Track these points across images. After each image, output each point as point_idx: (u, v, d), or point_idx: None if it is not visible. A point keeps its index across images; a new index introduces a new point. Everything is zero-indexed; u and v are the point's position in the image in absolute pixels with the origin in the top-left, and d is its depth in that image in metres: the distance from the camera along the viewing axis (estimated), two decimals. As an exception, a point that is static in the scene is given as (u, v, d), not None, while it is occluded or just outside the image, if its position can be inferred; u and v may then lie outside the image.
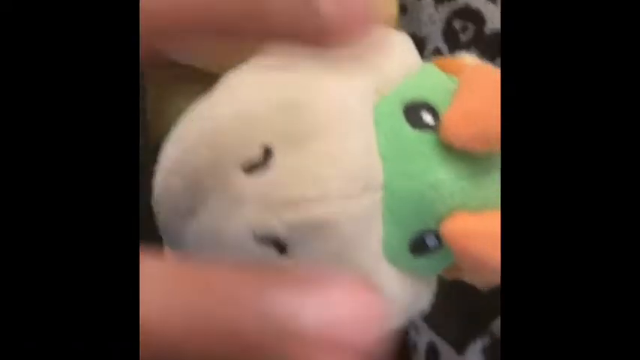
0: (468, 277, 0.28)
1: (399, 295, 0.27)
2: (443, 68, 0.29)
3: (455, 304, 0.50)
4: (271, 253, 0.24)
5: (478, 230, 0.25)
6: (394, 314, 0.28)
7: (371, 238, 0.25)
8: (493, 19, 0.48)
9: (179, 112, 0.31)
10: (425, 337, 0.51)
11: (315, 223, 0.23)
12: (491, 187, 0.27)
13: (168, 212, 0.27)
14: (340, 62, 0.26)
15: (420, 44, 0.58)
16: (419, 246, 0.26)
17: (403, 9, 0.60)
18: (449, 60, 0.30)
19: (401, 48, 0.29)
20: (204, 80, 0.37)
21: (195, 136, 0.26)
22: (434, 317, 0.51)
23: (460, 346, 0.49)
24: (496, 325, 0.48)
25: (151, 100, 0.35)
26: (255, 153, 0.24)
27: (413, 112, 0.26)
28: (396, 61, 0.27)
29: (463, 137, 0.25)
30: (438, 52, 0.56)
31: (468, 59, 0.31)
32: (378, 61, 0.26)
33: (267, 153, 0.24)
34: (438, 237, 0.26)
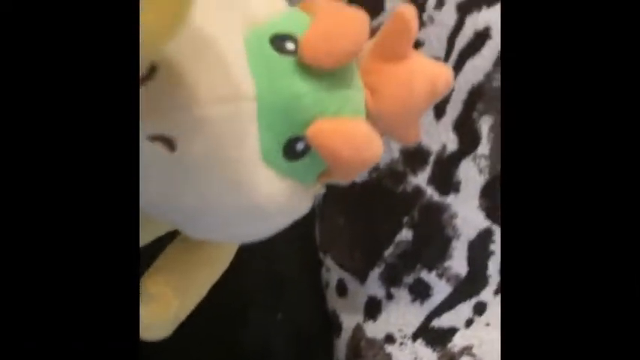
0: (335, 177, 0.31)
1: (278, 196, 0.30)
2: (305, 10, 0.33)
3: (356, 241, 0.57)
4: (163, 148, 0.28)
5: (334, 130, 0.29)
6: (275, 214, 0.31)
7: (247, 141, 0.29)
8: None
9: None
10: (335, 275, 0.59)
11: (195, 122, 0.27)
12: (344, 95, 0.31)
13: None
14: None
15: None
16: (291, 150, 0.29)
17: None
18: (309, 2, 0.34)
19: None
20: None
21: None
22: (340, 256, 0.58)
23: (362, 276, 0.56)
24: (388, 252, 0.54)
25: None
26: (143, 70, 0.27)
27: (278, 42, 0.30)
28: (263, 3, 0.31)
29: (317, 54, 0.29)
30: None
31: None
32: (248, 2, 0.31)
33: (153, 69, 0.27)
34: (305, 142, 0.29)
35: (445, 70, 0.34)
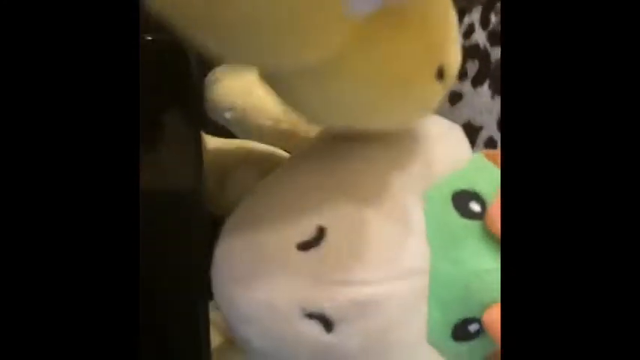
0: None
1: None
2: (492, 160, 0.29)
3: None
4: (318, 329, 0.25)
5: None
6: None
7: (415, 321, 0.25)
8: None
9: (242, 188, 0.32)
10: None
11: (362, 303, 0.24)
12: None
13: (225, 278, 0.27)
14: (394, 150, 0.27)
15: (475, 132, 0.58)
16: (461, 332, 0.25)
17: (459, 96, 0.61)
18: (497, 153, 0.30)
19: (452, 139, 0.29)
20: (265, 162, 0.39)
21: (260, 212, 0.27)
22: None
23: None
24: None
25: (214, 176, 0.37)
26: (311, 232, 0.25)
27: (461, 201, 0.26)
28: (446, 152, 0.28)
29: None
30: (491, 141, 0.57)
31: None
32: (429, 151, 0.27)
33: (321, 232, 0.24)
34: (480, 324, 0.24)
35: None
